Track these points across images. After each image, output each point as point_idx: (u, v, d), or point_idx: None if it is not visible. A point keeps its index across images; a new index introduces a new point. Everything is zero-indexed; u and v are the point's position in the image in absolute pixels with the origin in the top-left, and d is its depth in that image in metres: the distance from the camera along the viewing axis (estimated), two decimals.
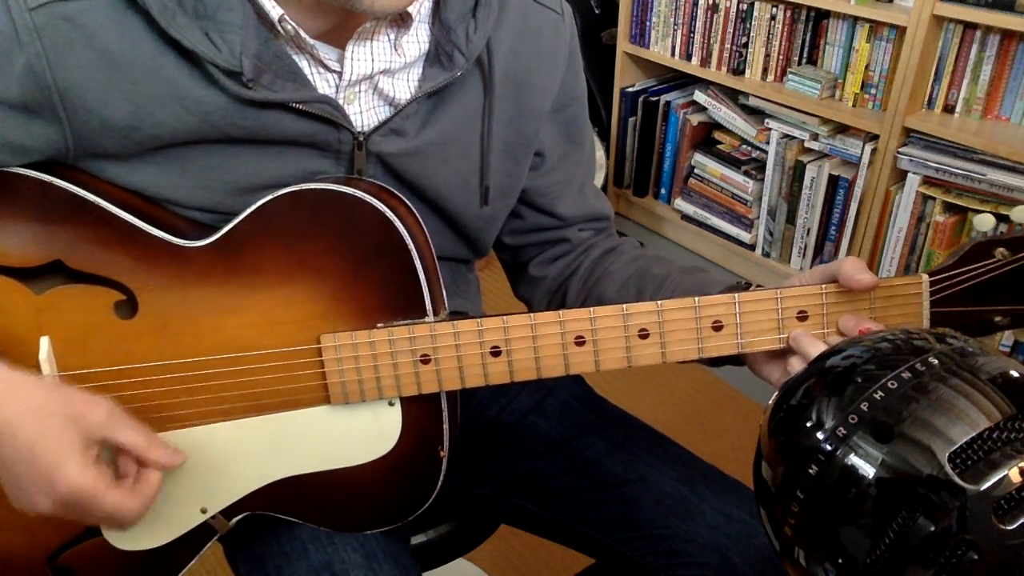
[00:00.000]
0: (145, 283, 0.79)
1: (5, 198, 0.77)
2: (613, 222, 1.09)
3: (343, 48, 0.80)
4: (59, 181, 0.77)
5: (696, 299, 0.80)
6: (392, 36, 0.82)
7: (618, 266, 0.99)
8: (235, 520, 0.86)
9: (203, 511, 0.85)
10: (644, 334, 0.81)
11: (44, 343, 0.78)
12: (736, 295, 0.81)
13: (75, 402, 0.72)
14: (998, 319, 0.82)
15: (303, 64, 0.80)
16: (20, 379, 0.72)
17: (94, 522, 0.80)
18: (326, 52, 0.80)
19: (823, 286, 0.80)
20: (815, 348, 0.78)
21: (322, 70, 0.81)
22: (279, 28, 0.76)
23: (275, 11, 0.75)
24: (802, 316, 0.81)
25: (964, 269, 0.80)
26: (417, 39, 0.84)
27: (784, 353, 0.82)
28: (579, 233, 1.03)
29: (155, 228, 0.78)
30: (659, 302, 0.80)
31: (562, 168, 1.00)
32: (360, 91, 0.83)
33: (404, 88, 0.85)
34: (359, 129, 0.83)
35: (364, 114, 0.84)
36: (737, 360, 0.87)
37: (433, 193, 0.89)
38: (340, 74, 0.81)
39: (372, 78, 0.83)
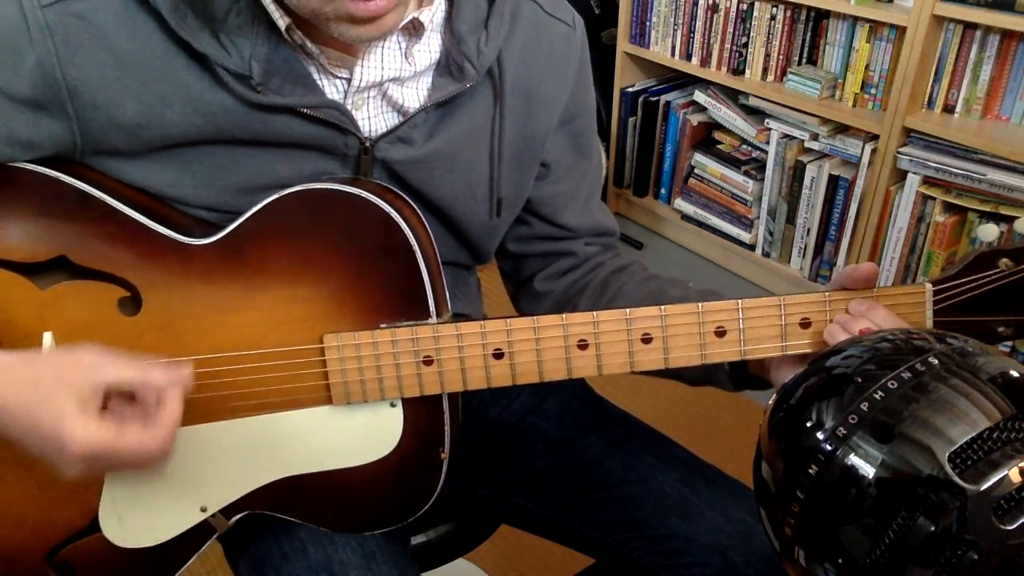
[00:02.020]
0: (149, 280, 0.79)
1: (11, 193, 0.77)
2: (618, 238, 1.08)
3: (354, 55, 0.80)
4: (65, 177, 0.77)
5: (699, 304, 0.81)
6: (403, 44, 0.82)
7: (631, 287, 0.99)
8: (235, 519, 0.86)
9: (203, 509, 0.85)
10: (647, 339, 0.81)
11: (47, 338, 0.78)
12: (739, 301, 0.81)
13: (59, 363, 0.72)
14: (1001, 329, 0.82)
15: (312, 69, 0.80)
16: (2, 358, 0.71)
17: (127, 468, 0.77)
18: (334, 60, 0.80)
19: (827, 293, 0.81)
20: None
21: (331, 76, 0.81)
22: (287, 36, 0.76)
23: (282, 21, 0.76)
24: (805, 323, 0.81)
25: (967, 279, 0.80)
26: (428, 48, 0.84)
27: (804, 359, 0.82)
28: (585, 247, 1.03)
29: (160, 225, 0.79)
30: (662, 307, 0.80)
31: (568, 179, 1.00)
32: (369, 97, 0.83)
33: (413, 97, 0.85)
34: (366, 135, 0.83)
35: (372, 120, 0.84)
36: (760, 384, 0.87)
37: (438, 202, 0.89)
38: (349, 80, 0.81)
39: (382, 85, 0.83)
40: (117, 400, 0.74)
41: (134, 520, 0.84)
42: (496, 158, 0.90)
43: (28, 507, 0.83)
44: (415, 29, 0.81)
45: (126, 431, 0.71)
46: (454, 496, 1.07)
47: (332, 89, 0.81)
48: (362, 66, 0.80)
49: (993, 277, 0.80)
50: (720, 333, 0.81)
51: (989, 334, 0.82)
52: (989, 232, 0.82)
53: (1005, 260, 0.80)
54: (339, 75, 0.81)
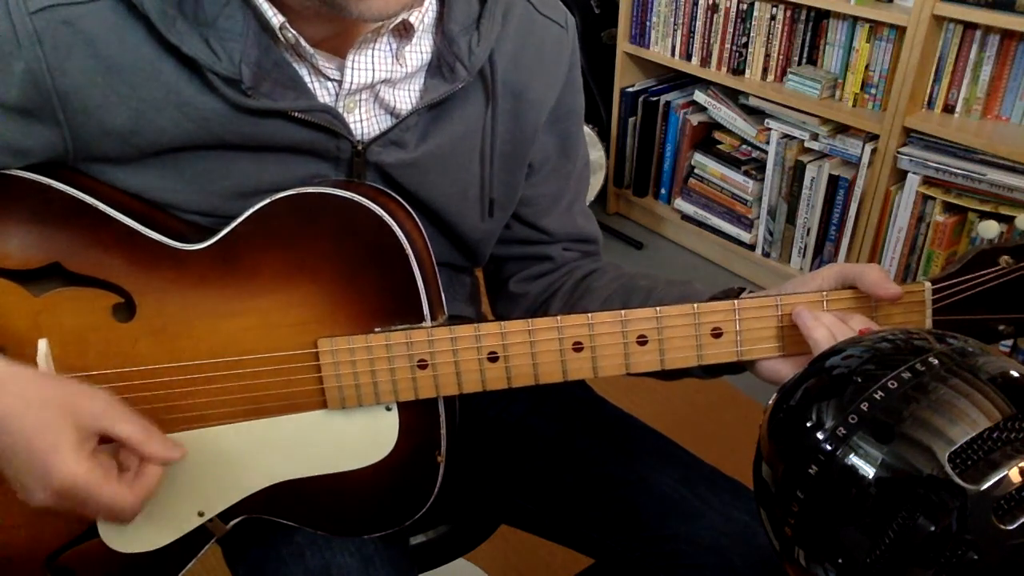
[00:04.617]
0: (143, 286, 0.79)
1: (5, 200, 0.77)
2: (600, 246, 1.08)
3: (344, 57, 0.80)
4: (58, 184, 0.77)
5: (695, 306, 0.80)
6: (394, 46, 0.82)
7: (601, 283, 0.98)
8: (232, 523, 0.86)
9: (200, 514, 0.85)
10: (643, 340, 0.81)
11: (42, 345, 0.78)
12: (736, 302, 0.80)
13: (73, 394, 0.72)
14: (1002, 328, 0.81)
15: (303, 72, 0.80)
16: (18, 371, 0.72)
17: (91, 515, 0.78)
18: (326, 61, 0.80)
19: (824, 293, 0.80)
20: (816, 325, 0.78)
21: (322, 78, 0.81)
22: (280, 36, 0.76)
23: (276, 18, 0.75)
24: None
25: (968, 277, 0.80)
26: (420, 49, 0.84)
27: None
28: (564, 252, 1.02)
29: (154, 231, 0.78)
30: (658, 308, 0.80)
31: (550, 181, 0.99)
32: (361, 100, 0.83)
33: (405, 98, 0.84)
34: (359, 138, 0.83)
35: (364, 123, 0.84)
36: (733, 368, 0.87)
37: (431, 204, 0.89)
38: (340, 83, 0.81)
39: (373, 87, 0.82)
40: (101, 447, 0.74)
41: (132, 525, 0.83)
42: (488, 159, 0.89)
43: (28, 511, 0.82)
44: (405, 30, 0.81)
45: (107, 484, 0.72)
46: (454, 496, 1.07)
47: (324, 92, 0.81)
48: (353, 68, 0.80)
49: (994, 275, 0.79)
50: (717, 334, 0.81)
51: (989, 332, 0.81)
52: (990, 229, 0.82)
53: (1006, 258, 0.79)
54: (331, 77, 0.81)
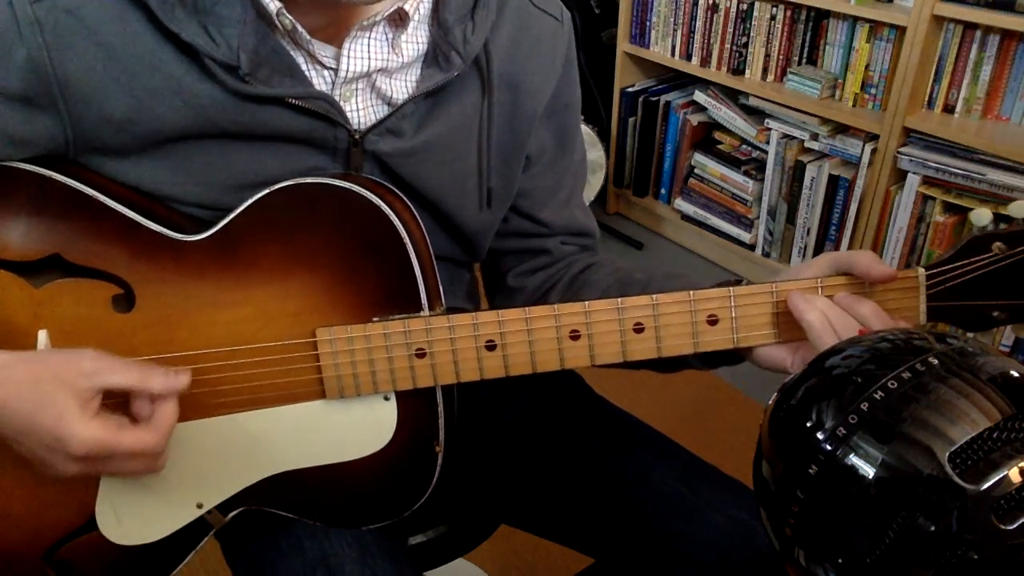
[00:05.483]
0: (142, 277, 0.79)
1: (4, 192, 0.77)
2: (598, 241, 1.08)
3: (340, 46, 0.80)
4: (58, 175, 0.77)
5: (691, 293, 0.80)
6: (390, 35, 0.83)
7: (599, 276, 0.99)
8: (231, 515, 0.86)
9: (199, 506, 0.85)
10: (639, 328, 0.81)
11: (42, 336, 0.78)
12: (731, 289, 0.81)
13: (59, 363, 0.72)
14: (996, 314, 0.81)
15: (300, 60, 0.80)
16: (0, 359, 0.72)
17: (127, 471, 0.77)
18: (322, 49, 0.80)
19: (819, 279, 0.80)
20: (809, 308, 0.78)
21: (319, 66, 0.81)
22: (277, 22, 0.76)
23: (273, 4, 0.75)
24: None
25: (961, 263, 0.80)
26: (416, 39, 0.84)
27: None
28: (561, 246, 1.03)
29: (153, 223, 0.78)
30: (654, 296, 0.80)
31: (549, 173, 0.99)
32: (357, 89, 0.83)
33: (402, 88, 0.85)
34: (356, 127, 0.83)
35: (361, 112, 0.84)
36: (731, 358, 0.87)
37: (429, 195, 0.89)
38: (336, 71, 0.81)
39: (370, 76, 0.83)
40: (110, 403, 0.74)
41: (131, 518, 0.84)
42: (485, 149, 0.90)
43: (26, 505, 0.83)
44: (401, 19, 0.81)
45: (124, 432, 0.72)
46: (454, 495, 1.07)
47: (320, 80, 0.81)
48: (349, 56, 0.80)
49: (986, 261, 0.80)
50: (712, 321, 0.81)
51: (984, 318, 0.82)
52: (982, 217, 0.82)
53: (998, 244, 0.80)
54: (327, 65, 0.81)
